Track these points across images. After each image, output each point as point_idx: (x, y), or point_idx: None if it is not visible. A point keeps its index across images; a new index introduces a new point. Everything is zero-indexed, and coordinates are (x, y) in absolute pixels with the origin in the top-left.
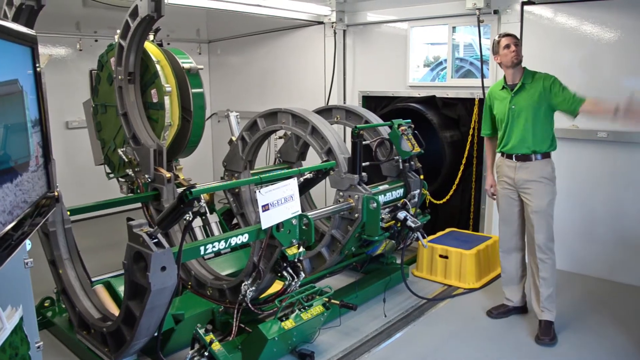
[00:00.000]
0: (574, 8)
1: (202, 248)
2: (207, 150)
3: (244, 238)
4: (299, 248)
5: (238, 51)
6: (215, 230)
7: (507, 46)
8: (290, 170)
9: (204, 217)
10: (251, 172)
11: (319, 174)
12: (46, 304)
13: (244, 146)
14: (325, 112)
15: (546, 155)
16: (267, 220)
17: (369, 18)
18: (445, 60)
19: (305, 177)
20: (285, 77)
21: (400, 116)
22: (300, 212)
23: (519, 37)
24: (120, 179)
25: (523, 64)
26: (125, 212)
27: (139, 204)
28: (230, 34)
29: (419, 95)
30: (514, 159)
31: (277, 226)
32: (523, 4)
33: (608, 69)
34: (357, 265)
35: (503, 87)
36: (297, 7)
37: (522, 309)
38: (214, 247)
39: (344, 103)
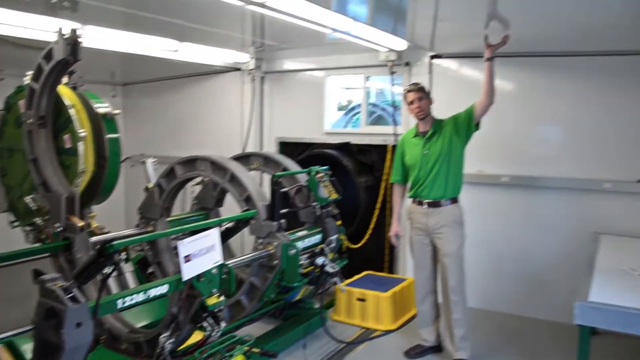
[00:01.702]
0: (476, 62)
1: (119, 301)
2: (119, 196)
3: (164, 289)
4: (219, 297)
5: (154, 95)
6: (130, 280)
7: (412, 102)
8: (211, 220)
9: (118, 267)
10: (167, 219)
11: (240, 223)
12: None
13: (161, 193)
14: (244, 158)
15: (454, 200)
16: (189, 271)
17: (286, 66)
18: (358, 105)
19: (226, 226)
20: (202, 122)
21: (317, 162)
22: (222, 262)
23: (428, 86)
24: (25, 228)
25: (434, 111)
26: (27, 262)
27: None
28: (147, 77)
29: (334, 142)
30: (425, 206)
31: (198, 276)
32: (431, 57)
33: (510, 118)
34: (276, 311)
35: (415, 135)
36: (215, 54)
37: (438, 348)
38: (132, 299)
39: (261, 149)
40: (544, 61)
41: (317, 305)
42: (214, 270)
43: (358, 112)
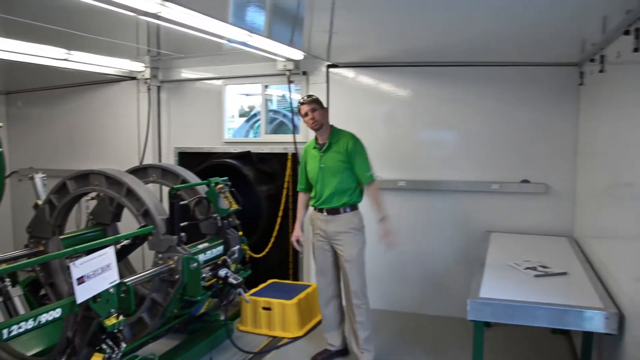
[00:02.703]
0: (371, 71)
1: (5, 331)
2: (5, 214)
3: (56, 314)
4: (118, 317)
5: (44, 104)
6: (19, 306)
7: (306, 114)
8: (106, 238)
9: (4, 292)
10: (61, 237)
11: (137, 240)
12: None
13: (52, 210)
14: (141, 171)
15: (354, 208)
16: (83, 293)
17: (183, 75)
18: (267, 111)
19: (122, 243)
20: (97, 133)
21: (218, 172)
22: (118, 281)
23: (325, 95)
24: None
25: (332, 119)
26: None
27: None
28: (34, 85)
29: (235, 151)
30: (325, 213)
31: (94, 297)
32: (328, 66)
33: (404, 123)
34: (180, 326)
35: (315, 146)
36: (108, 62)
37: (344, 352)
38: (20, 328)
39: (160, 161)
40: (435, 70)
41: (222, 317)
42: (112, 290)
43: (259, 119)
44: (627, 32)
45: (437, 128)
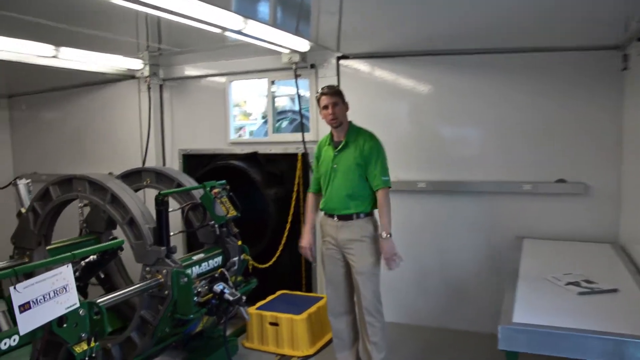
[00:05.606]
0: (387, 63)
1: None
2: None
3: (12, 342)
4: (90, 343)
5: (48, 107)
6: (3, 321)
7: (326, 107)
8: (62, 256)
9: None
10: (48, 247)
11: (105, 255)
12: None
13: (36, 218)
14: (134, 175)
15: (368, 214)
16: (28, 322)
17: (186, 72)
18: (286, 111)
19: (87, 260)
20: (101, 135)
21: (222, 175)
22: (77, 305)
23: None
24: None
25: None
26: None
27: None
28: (37, 87)
29: (241, 152)
30: (335, 218)
31: (60, 320)
32: (338, 58)
33: (424, 119)
34: (178, 344)
35: (329, 143)
36: (100, 59)
37: None
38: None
39: (164, 163)
40: (458, 59)
41: (227, 332)
42: (82, 311)
43: (281, 119)
44: None
45: (461, 124)
